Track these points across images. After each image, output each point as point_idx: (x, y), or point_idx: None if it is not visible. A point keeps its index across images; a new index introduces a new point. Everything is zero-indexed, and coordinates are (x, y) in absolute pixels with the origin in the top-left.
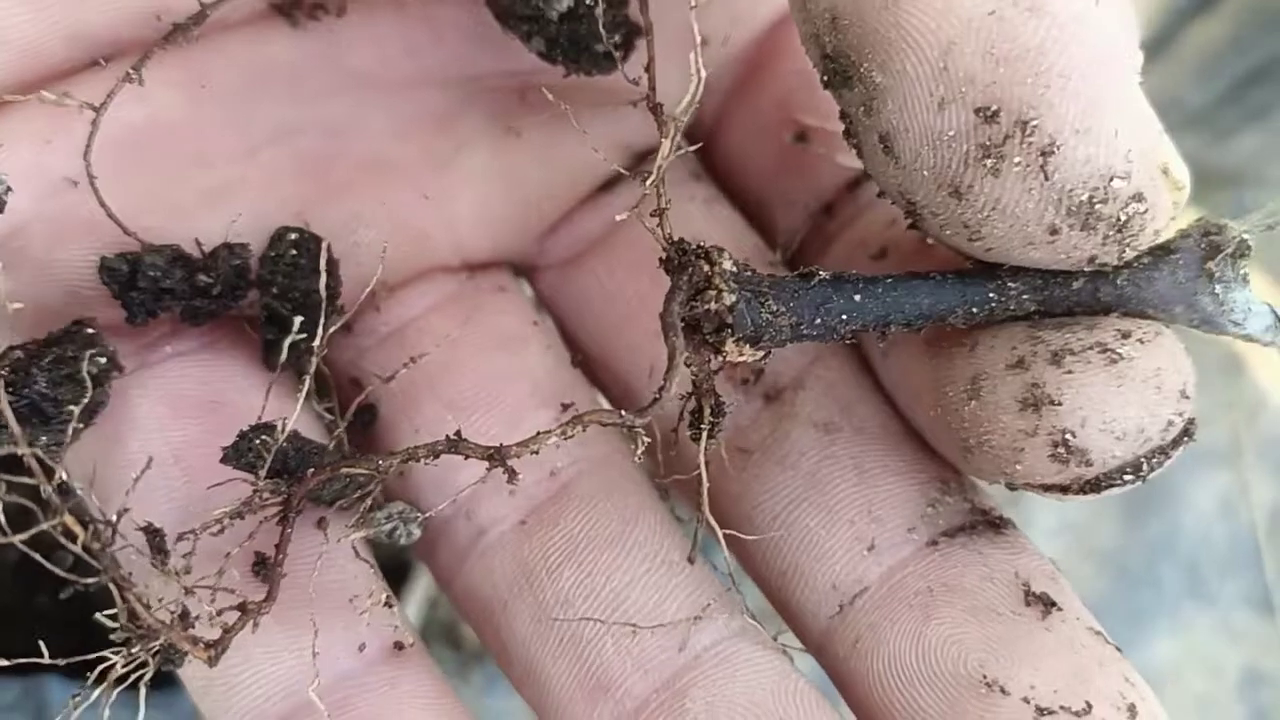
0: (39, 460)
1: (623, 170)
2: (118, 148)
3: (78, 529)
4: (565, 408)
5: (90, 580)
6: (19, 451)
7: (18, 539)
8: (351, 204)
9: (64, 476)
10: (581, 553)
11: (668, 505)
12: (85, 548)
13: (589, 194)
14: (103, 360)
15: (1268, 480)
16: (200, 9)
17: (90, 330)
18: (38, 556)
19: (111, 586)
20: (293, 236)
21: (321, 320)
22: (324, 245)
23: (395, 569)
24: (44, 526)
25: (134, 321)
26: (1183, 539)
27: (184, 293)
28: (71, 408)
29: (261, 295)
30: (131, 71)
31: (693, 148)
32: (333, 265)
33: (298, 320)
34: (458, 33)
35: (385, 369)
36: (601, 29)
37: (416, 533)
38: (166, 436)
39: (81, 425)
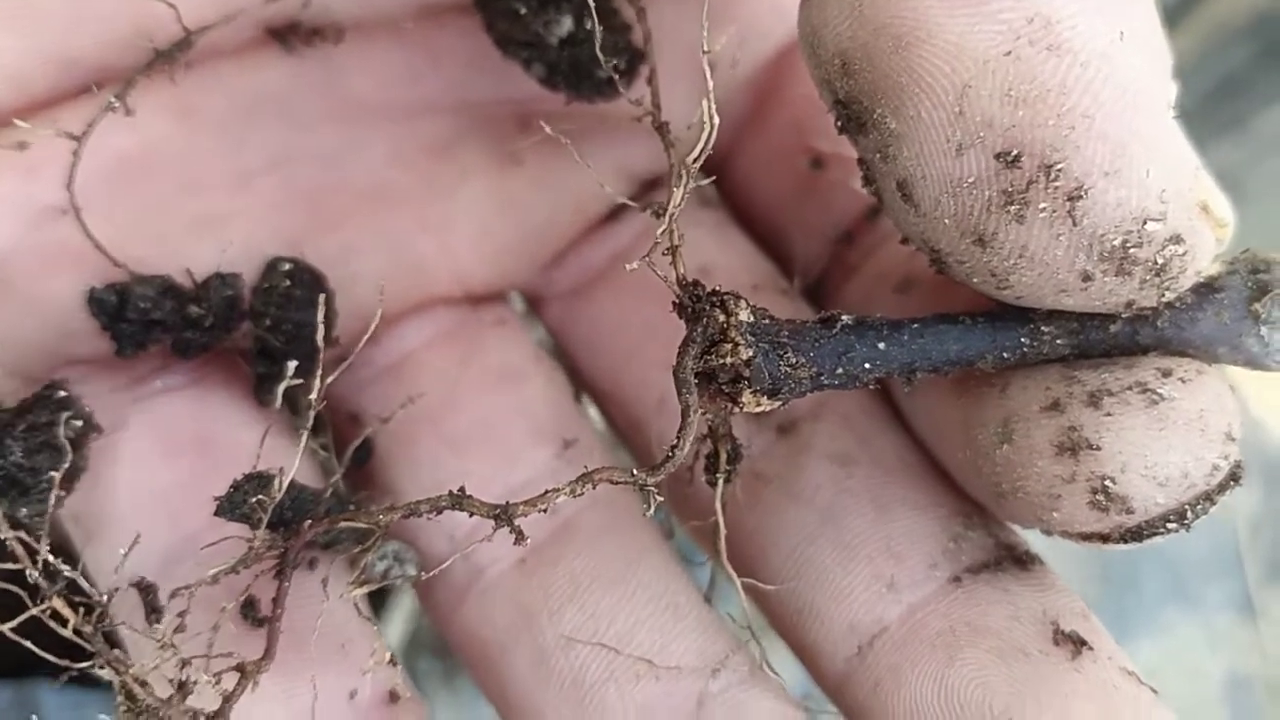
0: (23, 543)
1: (629, 202)
2: (108, 176)
3: (68, 613)
4: (567, 444)
5: (84, 665)
6: (2, 536)
7: (6, 628)
8: (348, 233)
9: (49, 559)
10: (584, 594)
11: (672, 543)
12: (76, 631)
13: (595, 223)
14: (79, 423)
15: (1248, 486)
16: (185, 35)
17: (64, 393)
18: (30, 645)
19: (108, 669)
20: (286, 267)
21: (319, 363)
22: (326, 290)
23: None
24: (33, 612)
25: (123, 354)
26: (1164, 543)
27: (175, 324)
28: (51, 474)
29: (254, 327)
30: (114, 100)
31: (705, 181)
32: (329, 300)
33: (292, 365)
34: (456, 59)
35: (381, 403)
36: (601, 54)
37: (412, 573)
38: (154, 476)
39: (63, 494)
